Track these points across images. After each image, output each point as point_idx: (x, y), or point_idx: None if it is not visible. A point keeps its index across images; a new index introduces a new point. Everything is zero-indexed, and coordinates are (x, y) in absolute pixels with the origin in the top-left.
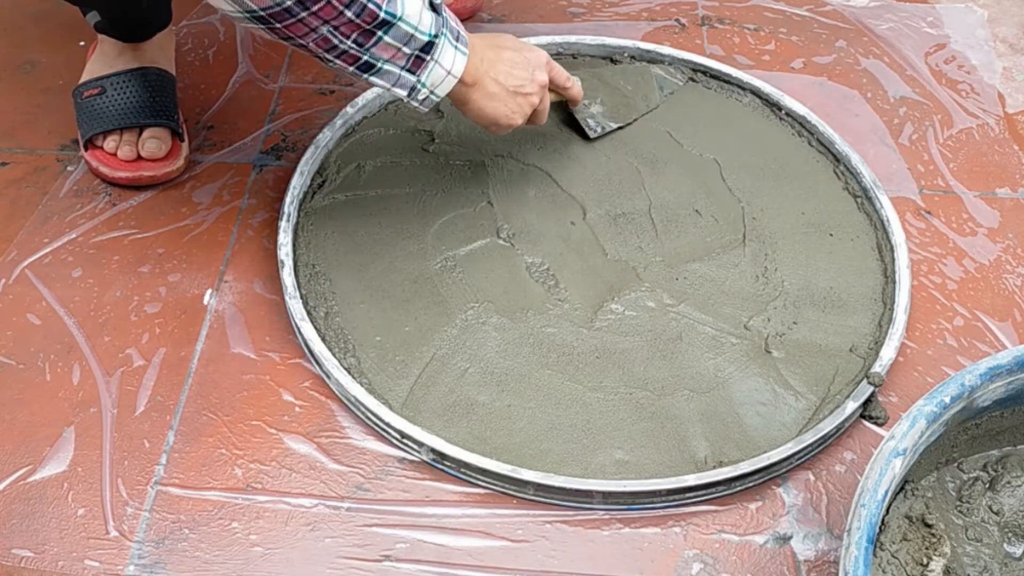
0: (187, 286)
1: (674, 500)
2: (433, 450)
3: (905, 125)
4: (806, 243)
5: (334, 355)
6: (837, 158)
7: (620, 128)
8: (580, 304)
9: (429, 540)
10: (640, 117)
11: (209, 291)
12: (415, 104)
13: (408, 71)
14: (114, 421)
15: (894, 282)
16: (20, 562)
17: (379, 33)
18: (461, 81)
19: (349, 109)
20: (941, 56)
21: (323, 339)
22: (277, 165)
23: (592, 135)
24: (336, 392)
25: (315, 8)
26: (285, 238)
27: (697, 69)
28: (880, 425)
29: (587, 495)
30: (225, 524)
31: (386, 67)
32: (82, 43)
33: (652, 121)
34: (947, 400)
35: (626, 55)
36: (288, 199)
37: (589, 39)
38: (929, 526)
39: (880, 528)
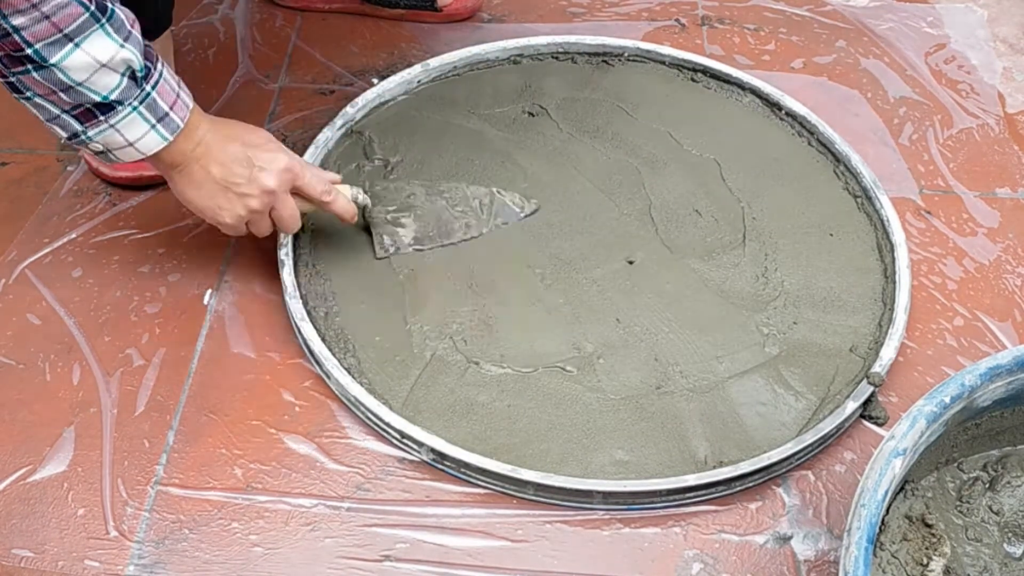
0: (187, 286)
1: (674, 500)
2: (433, 450)
3: (905, 125)
4: (806, 243)
5: (334, 355)
6: (837, 158)
7: (420, 250)
8: (582, 304)
9: (429, 540)
10: (451, 244)
11: (209, 291)
12: (87, 151)
13: (72, 117)
14: (114, 421)
15: (894, 282)
16: (20, 562)
17: (27, 66)
18: (159, 159)
19: (349, 109)
20: (941, 56)
21: (323, 339)
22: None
23: (379, 254)
24: (336, 392)
25: None
26: (285, 238)
27: (697, 69)
28: (880, 425)
29: (587, 495)
30: (225, 524)
31: (39, 100)
32: None
33: (652, 121)
34: (947, 400)
35: (625, 55)
36: None
37: (589, 39)
38: (929, 526)
39: (880, 528)
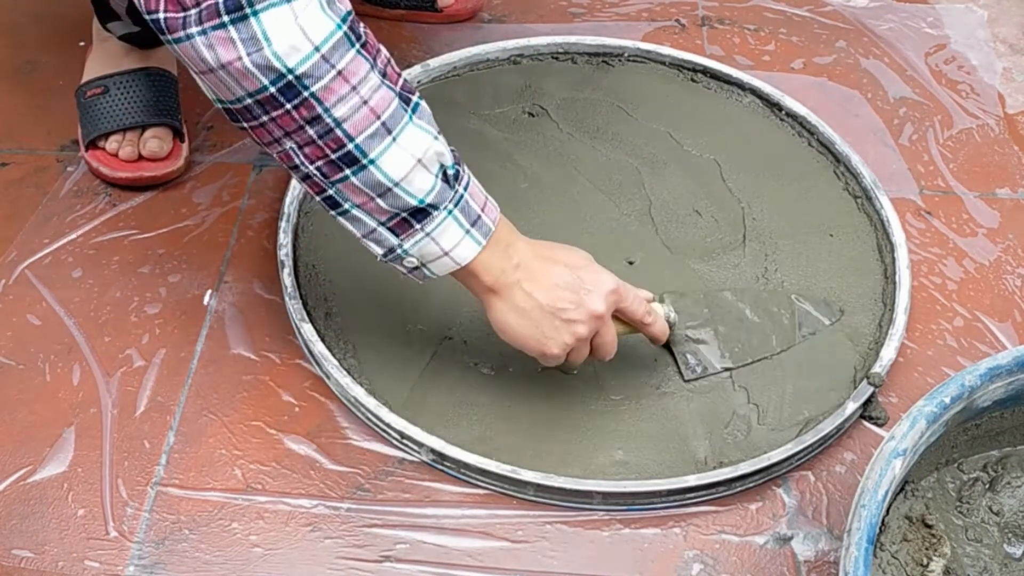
0: (187, 287)
1: (674, 500)
2: (433, 451)
3: (905, 125)
4: (806, 244)
5: (334, 356)
6: (837, 159)
7: (731, 370)
8: None
9: (429, 541)
10: (765, 359)
11: (209, 292)
12: (401, 270)
13: (388, 230)
14: (114, 421)
15: (894, 283)
16: (20, 563)
17: (347, 171)
18: (476, 276)
19: None
20: (941, 56)
21: (323, 340)
22: (277, 165)
23: (688, 376)
24: (336, 393)
25: (274, 114)
26: (285, 238)
27: (697, 69)
28: (880, 425)
29: (587, 495)
30: (225, 525)
31: (356, 212)
32: (82, 43)
33: (652, 121)
34: (947, 401)
35: (625, 55)
36: (288, 199)
37: (589, 39)
38: (929, 526)
39: (880, 528)
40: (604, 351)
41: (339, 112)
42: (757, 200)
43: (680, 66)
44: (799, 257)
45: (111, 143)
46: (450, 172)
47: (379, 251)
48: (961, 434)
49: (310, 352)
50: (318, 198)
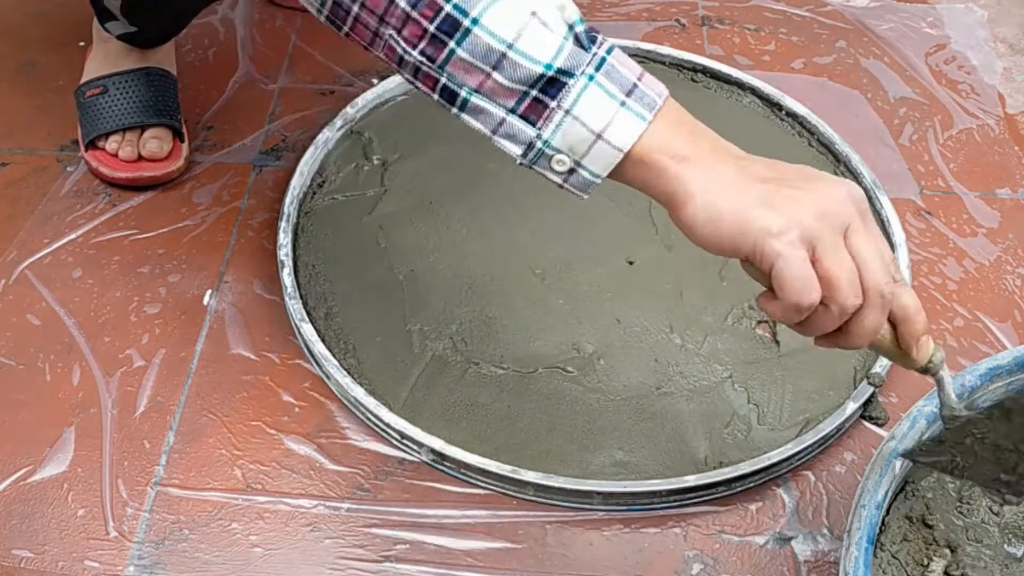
0: (187, 287)
1: (674, 501)
2: (433, 451)
3: (905, 125)
4: None
5: (334, 356)
6: (837, 158)
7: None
8: (581, 304)
9: (429, 541)
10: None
11: (209, 292)
12: (551, 176)
13: (520, 117)
14: (114, 422)
15: None
16: (20, 563)
17: (451, 43)
18: (648, 168)
19: (349, 109)
20: (941, 56)
21: (323, 340)
22: (277, 165)
23: (946, 416)
24: (336, 393)
25: None
26: (285, 238)
27: (697, 69)
28: (880, 425)
29: (587, 496)
30: (225, 525)
31: (477, 100)
32: (82, 43)
33: None
34: None
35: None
36: (288, 199)
37: None
38: (929, 526)
39: (880, 528)
40: (855, 335)
41: None
42: None
43: (680, 66)
44: None
45: (111, 143)
46: (580, 31)
47: (517, 151)
48: None
49: (310, 352)
50: (435, 96)
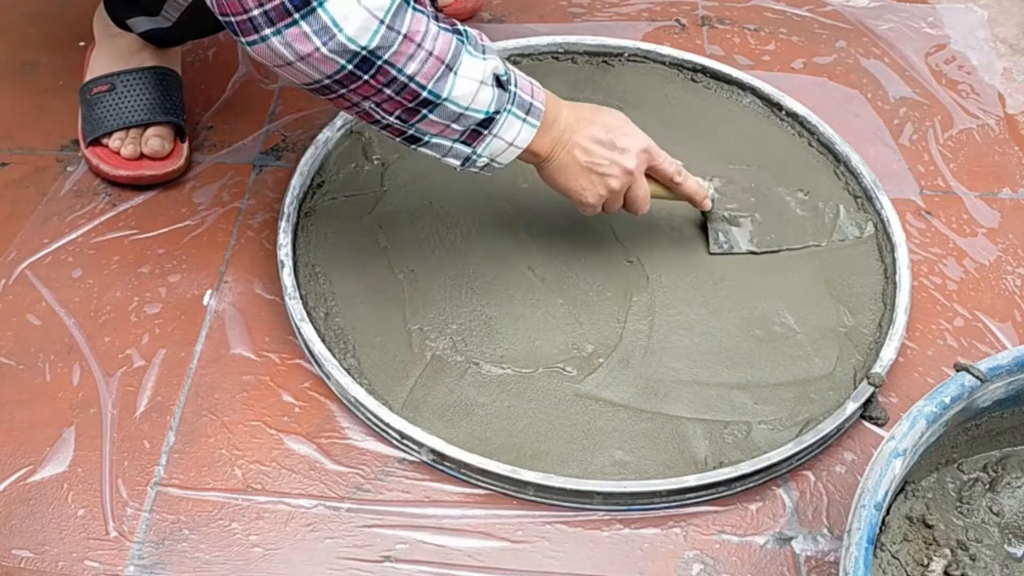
0: (187, 287)
1: (674, 501)
2: (433, 451)
3: (905, 125)
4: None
5: (334, 356)
6: (837, 158)
7: (757, 254)
8: (581, 304)
9: (429, 541)
10: (790, 250)
11: (209, 292)
12: (473, 171)
13: (462, 143)
14: (114, 421)
15: (894, 283)
16: (20, 562)
17: (423, 111)
18: (531, 152)
19: None
20: (941, 56)
21: (323, 340)
22: (277, 165)
23: (713, 249)
24: (336, 393)
25: (353, 87)
26: (285, 238)
27: (697, 69)
28: (880, 426)
29: (587, 496)
30: (225, 525)
31: (435, 140)
32: (82, 43)
33: (652, 121)
34: (947, 401)
35: (625, 55)
36: (288, 199)
37: (589, 39)
38: (929, 526)
39: (880, 528)
40: (637, 206)
41: (411, 69)
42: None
43: (680, 66)
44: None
45: (113, 141)
46: (503, 78)
47: (456, 163)
48: (961, 434)
49: (310, 352)
50: (398, 139)
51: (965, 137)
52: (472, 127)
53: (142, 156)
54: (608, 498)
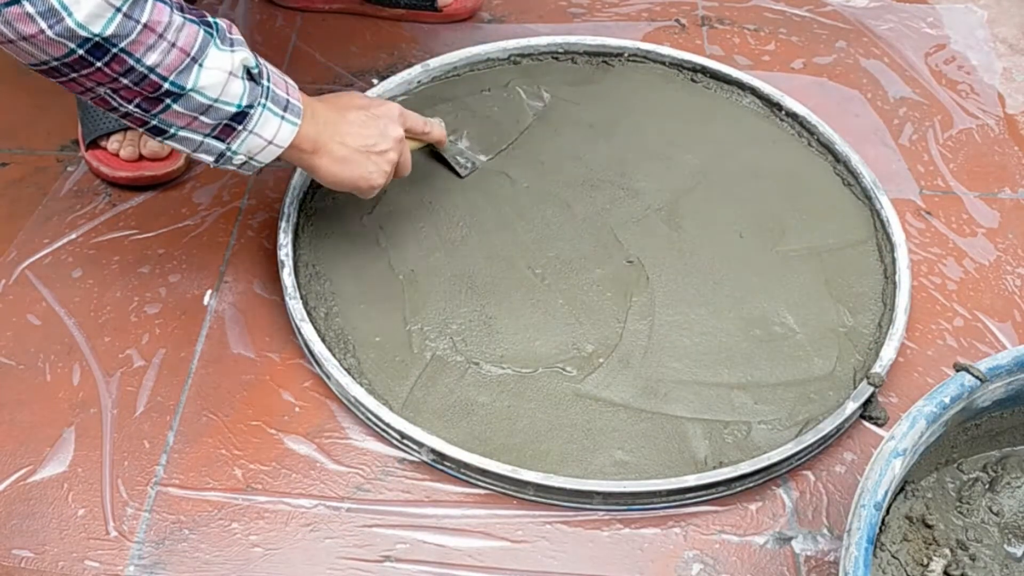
0: (187, 287)
1: (674, 500)
2: (433, 451)
3: (905, 125)
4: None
5: (334, 356)
6: (837, 158)
7: (492, 159)
8: (581, 304)
9: (429, 540)
10: (512, 142)
11: (209, 292)
12: (231, 168)
13: (215, 138)
14: (114, 421)
15: (894, 283)
16: (20, 562)
17: (167, 101)
18: (297, 148)
19: None
20: (941, 56)
21: (323, 339)
22: (277, 165)
23: (463, 173)
24: (336, 393)
25: (85, 72)
26: (285, 238)
27: (697, 69)
28: (880, 426)
29: (587, 495)
30: (225, 525)
31: (183, 133)
32: None
33: (652, 121)
34: (947, 400)
35: (625, 55)
36: (288, 199)
37: (589, 39)
38: (929, 526)
39: (880, 528)
40: (404, 169)
41: (151, 60)
42: (758, 199)
43: (680, 66)
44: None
45: (112, 142)
46: (254, 71)
47: (210, 159)
48: (961, 434)
49: (310, 352)
50: (142, 129)
51: (965, 137)
52: (224, 121)
53: (141, 157)
54: (608, 498)
